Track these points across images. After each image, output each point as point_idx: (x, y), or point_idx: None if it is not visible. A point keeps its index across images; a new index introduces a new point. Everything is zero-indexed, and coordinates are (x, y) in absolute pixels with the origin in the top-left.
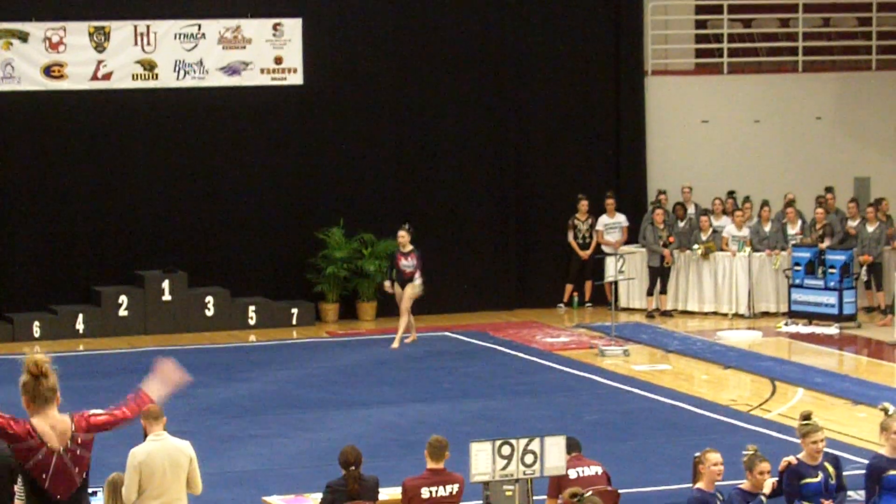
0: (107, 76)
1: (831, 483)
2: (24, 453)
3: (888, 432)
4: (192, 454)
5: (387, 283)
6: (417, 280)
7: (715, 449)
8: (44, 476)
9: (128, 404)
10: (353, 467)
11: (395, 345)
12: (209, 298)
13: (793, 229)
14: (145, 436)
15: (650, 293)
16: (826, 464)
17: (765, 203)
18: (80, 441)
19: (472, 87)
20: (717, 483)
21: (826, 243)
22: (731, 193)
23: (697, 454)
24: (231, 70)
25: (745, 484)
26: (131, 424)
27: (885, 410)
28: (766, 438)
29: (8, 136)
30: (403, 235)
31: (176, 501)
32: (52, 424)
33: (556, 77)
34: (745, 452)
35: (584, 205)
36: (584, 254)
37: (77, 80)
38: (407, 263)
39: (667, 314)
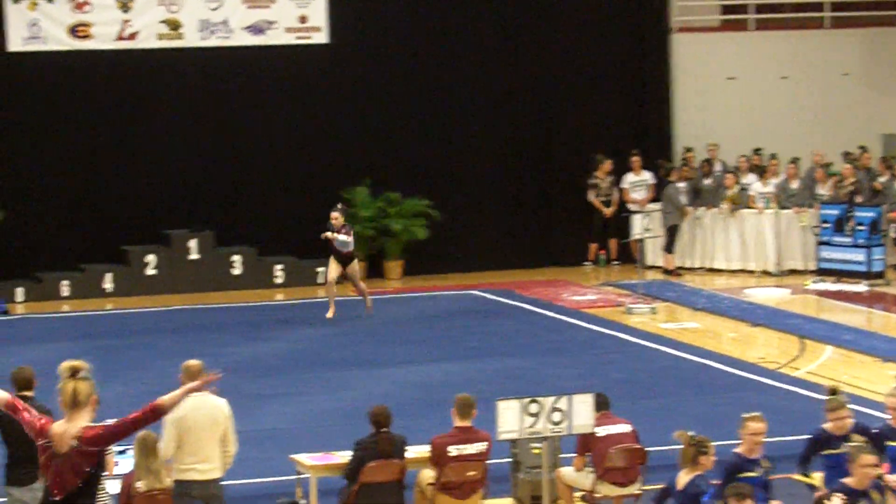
0: (132, 36)
1: None
2: (40, 451)
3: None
4: (229, 412)
5: (328, 234)
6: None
7: (759, 417)
8: (46, 474)
9: (142, 408)
10: (385, 427)
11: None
12: (236, 257)
13: (822, 189)
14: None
15: (670, 251)
16: (854, 435)
17: (793, 160)
18: (80, 451)
19: (494, 44)
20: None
21: (858, 199)
22: (757, 150)
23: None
24: (256, 29)
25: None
26: (147, 425)
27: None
28: (793, 396)
29: (34, 96)
30: (336, 217)
31: (211, 458)
32: (66, 429)
33: (579, 34)
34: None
35: (604, 163)
36: (608, 211)
37: (103, 40)
38: (349, 239)
39: (674, 273)
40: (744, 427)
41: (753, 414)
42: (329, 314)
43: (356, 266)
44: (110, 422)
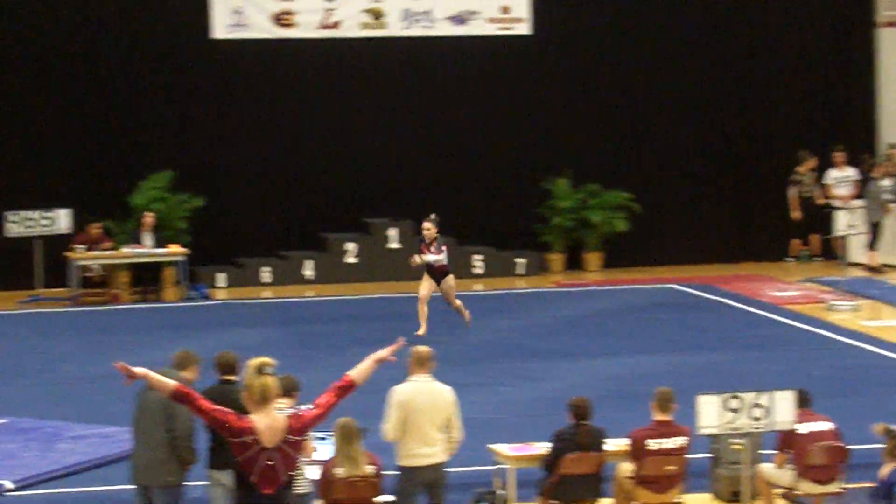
0: (335, 25)
1: None
2: (239, 448)
3: None
4: (454, 399)
5: (416, 257)
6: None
7: None
8: (252, 471)
9: (331, 388)
10: (585, 419)
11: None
12: None
13: None
14: (409, 377)
15: (873, 247)
16: None
17: None
18: (291, 442)
19: (694, 40)
20: None
21: None
22: None
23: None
24: (458, 19)
25: None
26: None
27: None
28: None
29: (238, 83)
30: (428, 227)
31: (435, 443)
32: (270, 423)
33: (782, 28)
34: None
35: (807, 159)
36: (796, 214)
37: (306, 28)
38: (432, 256)
39: (878, 270)
40: None
41: None
42: (420, 332)
43: (452, 282)
44: (306, 408)
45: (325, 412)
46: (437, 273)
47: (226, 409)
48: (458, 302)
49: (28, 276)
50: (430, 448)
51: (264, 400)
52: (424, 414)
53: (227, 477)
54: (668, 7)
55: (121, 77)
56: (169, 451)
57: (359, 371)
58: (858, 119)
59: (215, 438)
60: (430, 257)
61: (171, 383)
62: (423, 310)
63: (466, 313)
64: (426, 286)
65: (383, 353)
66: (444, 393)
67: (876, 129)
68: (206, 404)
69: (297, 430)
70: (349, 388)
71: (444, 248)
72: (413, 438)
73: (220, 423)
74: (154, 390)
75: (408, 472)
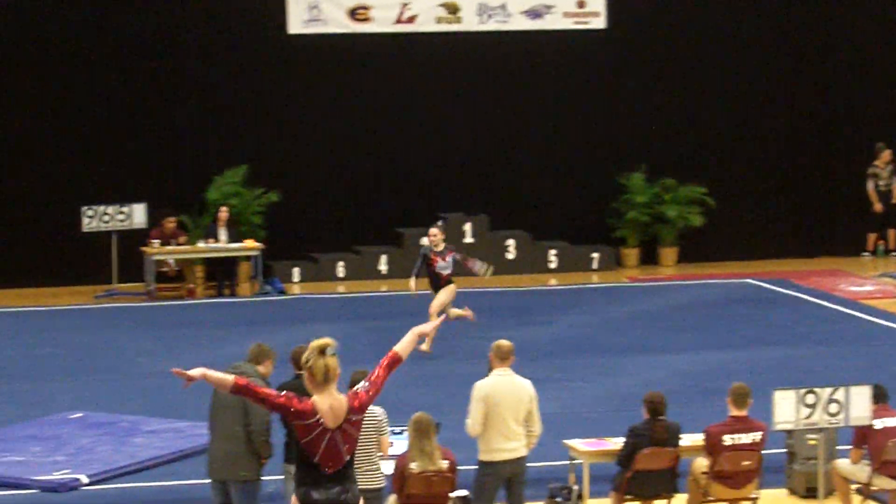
0: (411, 19)
1: None
2: (303, 430)
3: None
4: (534, 393)
5: (411, 283)
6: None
7: None
8: (316, 452)
9: (380, 365)
10: (661, 414)
11: (427, 347)
12: (510, 241)
13: None
14: (489, 371)
15: None
16: None
17: None
18: (352, 421)
19: (772, 32)
20: None
21: None
22: None
23: None
24: (534, 14)
25: None
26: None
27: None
28: None
29: (313, 78)
30: (436, 234)
31: (517, 436)
32: (332, 404)
33: (862, 21)
34: None
35: (884, 153)
36: (878, 206)
37: (382, 23)
38: (443, 265)
39: None
40: None
41: None
42: (425, 347)
43: (453, 289)
44: (362, 386)
45: (380, 389)
46: (442, 283)
47: (288, 394)
48: (449, 312)
49: (104, 270)
50: (511, 442)
51: (326, 381)
52: (506, 408)
53: None
54: (744, 1)
55: (197, 72)
56: (245, 445)
57: (402, 345)
58: None
59: (291, 433)
60: (441, 266)
61: (230, 378)
62: (451, 314)
63: (428, 341)
64: (436, 298)
65: (425, 327)
66: (524, 387)
67: None
68: (267, 392)
69: (358, 410)
70: (397, 362)
71: (449, 255)
72: (495, 433)
73: (284, 407)
74: None
75: (488, 466)
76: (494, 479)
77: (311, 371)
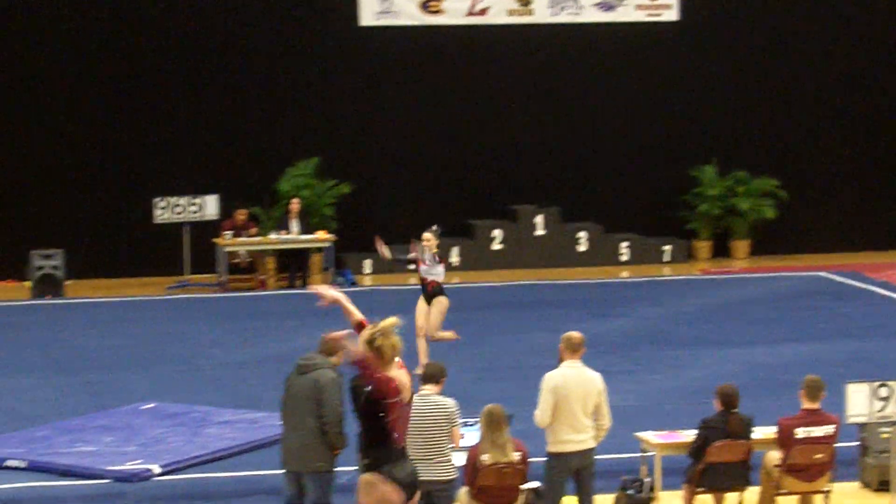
0: (482, 12)
1: None
2: (395, 407)
3: None
4: (603, 387)
5: (386, 250)
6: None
7: None
8: (396, 428)
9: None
10: (734, 407)
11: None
12: (581, 234)
13: None
14: (559, 362)
15: None
16: None
17: None
18: (412, 394)
19: (844, 23)
20: None
21: None
22: None
23: None
24: (606, 6)
25: None
26: None
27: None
28: None
29: (385, 70)
30: (429, 238)
31: (586, 428)
32: (405, 381)
33: None
34: None
35: None
36: None
37: (453, 15)
38: (426, 269)
39: None
40: None
41: None
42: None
43: (443, 305)
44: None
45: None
46: (429, 290)
47: (388, 375)
48: (440, 333)
49: (176, 262)
50: (579, 434)
51: (394, 358)
52: (575, 400)
53: None
54: None
55: (269, 64)
56: (319, 437)
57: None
58: None
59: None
60: (424, 270)
61: (358, 316)
62: (422, 345)
63: (423, 354)
64: (421, 312)
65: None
66: (593, 380)
67: None
68: (378, 369)
69: (410, 385)
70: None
71: (441, 262)
72: (564, 424)
73: (387, 383)
74: (303, 375)
75: (557, 458)
76: (562, 471)
77: (381, 350)
